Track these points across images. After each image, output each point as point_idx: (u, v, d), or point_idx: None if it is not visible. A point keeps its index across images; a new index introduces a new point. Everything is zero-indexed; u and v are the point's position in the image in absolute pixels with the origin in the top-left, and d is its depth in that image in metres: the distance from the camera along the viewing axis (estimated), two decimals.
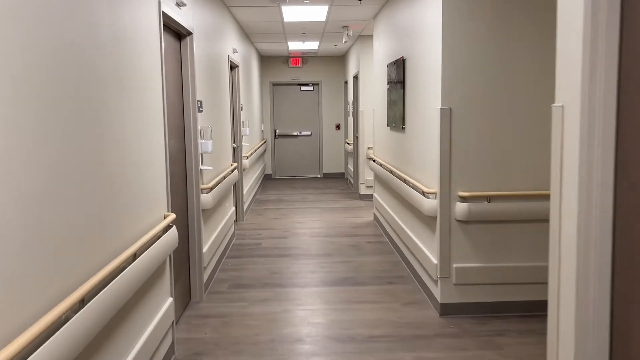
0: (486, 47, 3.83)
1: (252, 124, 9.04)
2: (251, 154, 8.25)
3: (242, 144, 7.41)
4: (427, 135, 4.22)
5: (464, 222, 3.93)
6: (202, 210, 4.47)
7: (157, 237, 3.03)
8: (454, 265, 3.94)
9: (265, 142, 11.39)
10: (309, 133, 12.03)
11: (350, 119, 10.38)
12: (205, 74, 4.77)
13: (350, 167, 10.58)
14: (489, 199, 3.89)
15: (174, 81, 3.98)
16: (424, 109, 4.31)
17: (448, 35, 3.81)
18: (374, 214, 7.32)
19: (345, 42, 7.94)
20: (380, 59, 6.66)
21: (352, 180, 10.31)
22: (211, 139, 4.48)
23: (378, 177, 6.90)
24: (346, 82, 11.50)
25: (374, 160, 7.07)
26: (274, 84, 11.90)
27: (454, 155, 3.88)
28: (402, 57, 5.09)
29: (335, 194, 9.62)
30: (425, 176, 4.29)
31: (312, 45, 9.93)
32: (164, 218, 3.26)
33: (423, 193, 4.18)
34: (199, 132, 4.34)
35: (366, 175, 8.96)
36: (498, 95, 3.86)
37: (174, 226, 3.24)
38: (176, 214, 3.95)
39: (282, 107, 11.98)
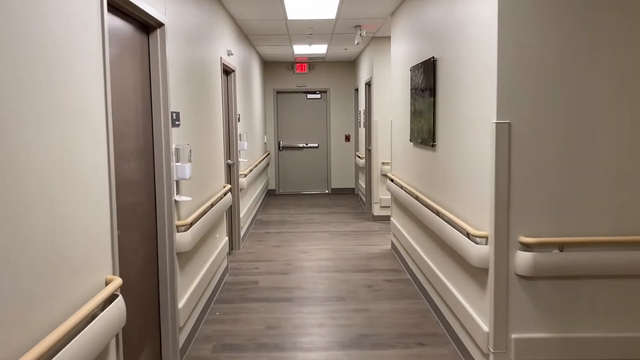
0: (559, 47, 2.82)
1: (252, 136, 8.05)
2: (251, 170, 7.25)
3: (240, 160, 6.43)
4: (471, 157, 3.21)
5: (527, 277, 2.90)
6: (178, 253, 3.47)
7: (91, 316, 2.03)
8: (513, 336, 2.91)
9: (268, 154, 10.41)
10: (316, 145, 11.04)
11: (362, 130, 9.37)
12: (186, 79, 3.79)
13: (362, 183, 9.56)
14: (561, 246, 2.87)
15: (137, 87, 3.00)
16: (466, 122, 3.30)
17: (506, 32, 2.80)
18: (392, 242, 6.30)
19: (357, 43, 6.97)
20: (400, 62, 5.66)
21: (363, 198, 9.30)
22: (189, 161, 3.48)
23: (397, 200, 5.88)
24: (357, 90, 10.51)
25: (391, 180, 6.05)
26: (278, 92, 10.94)
27: (514, 186, 2.86)
28: (432, 57, 4.09)
29: (345, 214, 8.60)
30: (471, 212, 3.26)
31: (319, 49, 8.95)
32: (106, 284, 2.26)
33: (468, 235, 3.16)
34: (172, 153, 3.35)
35: (380, 194, 7.94)
36: (575, 110, 2.85)
37: (120, 296, 2.23)
38: (143, 262, 2.95)
39: (287, 116, 11.01)
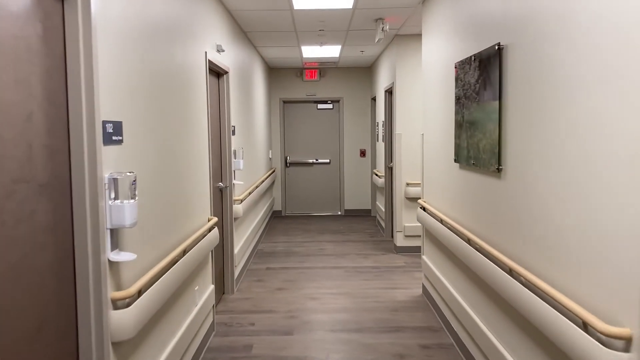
0: None
1: (253, 152, 6.84)
2: (250, 192, 6.03)
3: (234, 182, 5.20)
4: (599, 199, 1.95)
5: None
6: (116, 343, 2.23)
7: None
8: None
9: (273, 171, 9.19)
10: (328, 161, 9.81)
11: (381, 145, 8.13)
12: (139, 78, 2.57)
13: (380, 205, 8.30)
14: None
15: (50, 87, 1.79)
16: (585, 137, 2.05)
17: None
18: (423, 286, 5.03)
19: (378, 41, 5.76)
20: (436, 60, 4.42)
21: (382, 223, 8.03)
22: (133, 197, 2.24)
23: (432, 236, 4.62)
24: (374, 99, 9.29)
25: (423, 208, 4.80)
26: (285, 102, 9.74)
27: None
28: (497, 45, 2.85)
29: (361, 243, 7.34)
30: (592, 287, 1.99)
31: (332, 51, 7.75)
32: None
33: (586, 327, 1.89)
34: (105, 187, 2.11)
35: (405, 221, 6.68)
36: None
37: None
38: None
39: (295, 129, 9.80)
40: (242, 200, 5.41)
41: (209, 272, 4.09)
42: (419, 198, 6.60)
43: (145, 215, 2.57)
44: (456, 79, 3.68)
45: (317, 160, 9.81)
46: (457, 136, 3.66)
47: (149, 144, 2.68)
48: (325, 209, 9.89)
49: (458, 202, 3.74)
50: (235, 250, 5.27)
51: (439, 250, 4.37)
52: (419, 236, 6.65)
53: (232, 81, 5.35)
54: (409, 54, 6.57)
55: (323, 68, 9.62)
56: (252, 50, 7.08)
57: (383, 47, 7.48)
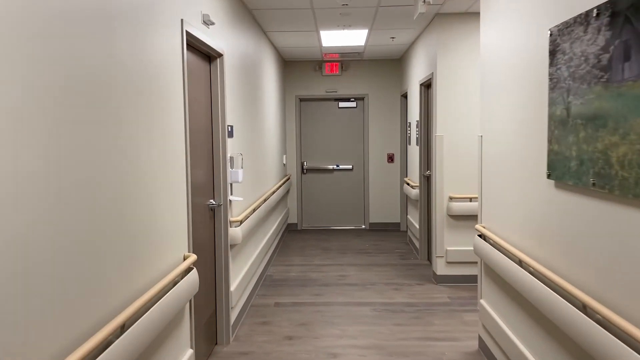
0: None
1: (260, 159, 5.64)
2: (253, 210, 4.83)
3: (231, 198, 3.99)
4: None
5: None
6: None
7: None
8: None
9: (288, 178, 7.98)
10: (350, 167, 8.57)
11: (414, 149, 6.85)
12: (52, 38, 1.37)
13: (413, 220, 7.03)
14: None
15: None
16: None
17: None
18: (480, 338, 3.75)
19: (420, 14, 4.52)
20: (510, 34, 3.14)
21: (415, 242, 6.75)
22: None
23: (497, 275, 3.34)
24: (405, 96, 8.03)
25: (481, 237, 3.54)
26: (301, 99, 8.53)
27: None
28: None
29: (392, 268, 6.08)
30: None
31: (356, 38, 6.52)
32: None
33: None
34: None
35: (447, 244, 5.40)
36: None
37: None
38: None
39: (313, 130, 8.58)
40: (241, 222, 4.20)
41: (185, 331, 2.88)
42: (468, 216, 5.33)
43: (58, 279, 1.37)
44: (553, 53, 2.41)
45: (338, 166, 8.57)
46: (555, 139, 2.39)
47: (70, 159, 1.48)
48: (347, 222, 8.64)
49: (556, 239, 2.46)
50: (232, 288, 4.05)
51: (509, 298, 3.10)
52: (468, 264, 5.37)
53: (230, 69, 4.15)
54: (453, 37, 5.30)
55: (345, 60, 8.38)
56: (260, 37, 5.88)
57: (419, 31, 6.22)
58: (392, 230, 8.41)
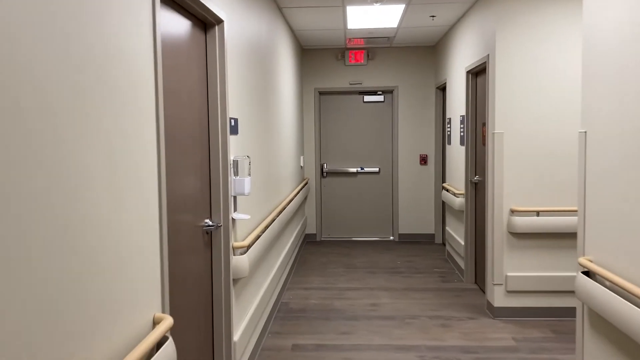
0: None
1: (274, 161, 4.60)
2: (266, 227, 3.79)
3: (233, 217, 2.95)
4: None
5: None
6: None
7: None
8: None
9: (305, 183, 6.95)
10: (376, 169, 7.50)
11: (457, 150, 5.76)
12: None
13: (455, 233, 5.94)
14: None
15: None
16: None
17: None
18: None
19: None
20: None
21: (458, 259, 5.67)
22: None
23: (619, 331, 2.24)
24: (441, 88, 6.94)
25: (586, 273, 2.46)
26: (321, 92, 7.48)
27: None
28: None
29: (434, 294, 5.00)
30: None
31: (390, 17, 5.46)
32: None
33: None
34: None
35: (508, 268, 4.31)
36: None
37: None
38: None
39: (334, 128, 7.53)
40: (249, 247, 3.15)
41: None
42: (535, 235, 4.24)
43: None
44: None
45: (362, 168, 7.51)
46: None
47: None
48: (372, 232, 7.57)
49: None
50: (236, 337, 3.00)
51: None
52: (533, 294, 4.28)
53: (236, 47, 3.11)
54: (520, 9, 4.21)
55: (372, 48, 7.32)
56: (275, 14, 4.84)
57: (467, 5, 5.13)
58: (425, 242, 7.31)
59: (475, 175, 5.20)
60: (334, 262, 6.27)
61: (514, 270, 4.29)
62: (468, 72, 5.20)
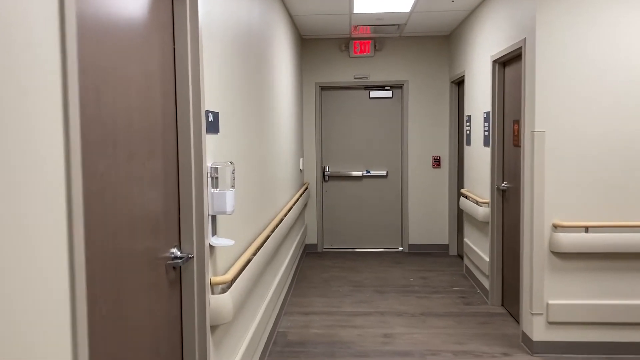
0: None
1: (269, 164, 3.88)
2: (252, 255, 3.07)
3: (214, 242, 2.22)
4: None
5: None
6: None
7: None
8: None
9: (306, 188, 6.24)
10: (384, 173, 6.77)
11: (480, 152, 5.03)
12: None
13: (476, 247, 5.21)
14: None
15: None
16: None
17: None
18: None
19: None
20: None
21: (481, 278, 4.94)
22: None
23: None
24: (457, 82, 6.21)
25: None
26: (323, 87, 6.75)
27: None
28: None
29: (455, 320, 4.28)
30: None
31: (401, 1, 4.74)
32: None
33: None
34: None
35: (550, 295, 3.57)
36: None
37: None
38: None
39: (337, 126, 6.80)
40: (233, 281, 2.42)
41: None
42: (583, 255, 3.52)
43: None
44: None
45: (368, 172, 6.78)
46: None
47: None
48: (380, 242, 6.84)
49: None
50: None
51: None
52: (581, 326, 3.55)
53: (217, 25, 2.38)
54: None
55: (379, 38, 6.59)
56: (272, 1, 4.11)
57: None
58: (438, 254, 6.59)
59: (503, 181, 4.47)
60: (338, 279, 5.54)
61: (557, 298, 3.56)
62: (495, 62, 4.47)
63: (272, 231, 3.68)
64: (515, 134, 4.12)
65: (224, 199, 2.19)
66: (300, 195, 5.68)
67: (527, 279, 3.67)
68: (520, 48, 3.79)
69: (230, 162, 2.25)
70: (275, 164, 4.24)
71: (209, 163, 2.21)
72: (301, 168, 6.32)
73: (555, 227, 3.52)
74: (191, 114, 2.08)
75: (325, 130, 6.79)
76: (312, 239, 6.80)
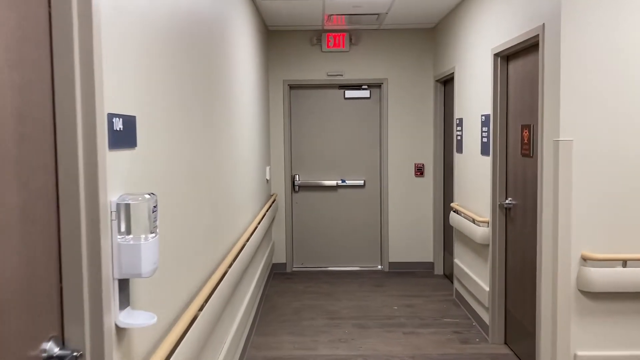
0: None
1: (224, 181, 3.08)
2: (192, 319, 2.25)
3: (122, 322, 1.40)
4: None
5: None
6: None
7: None
8: None
9: (274, 200, 5.45)
10: (361, 182, 6.02)
11: (475, 161, 4.31)
12: None
13: (468, 269, 4.49)
14: None
15: None
16: None
17: None
18: None
19: None
20: None
21: (478, 309, 4.22)
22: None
23: None
24: (442, 81, 5.50)
25: None
26: (292, 86, 5.96)
27: None
28: None
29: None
30: None
31: None
32: None
33: None
34: None
35: (577, 345, 2.85)
36: None
37: None
38: None
39: (309, 130, 6.01)
40: None
41: None
42: (620, 295, 2.82)
43: None
44: None
45: (343, 181, 6.01)
46: None
47: None
48: (357, 260, 6.09)
49: None
50: None
51: None
52: None
53: (137, 4, 1.57)
54: None
55: (356, 30, 5.84)
56: None
57: None
58: (422, 274, 5.86)
59: (507, 197, 3.76)
60: (311, 309, 4.75)
61: (588, 348, 2.85)
62: (497, 56, 3.76)
63: (230, 266, 2.88)
64: (526, 141, 3.41)
65: (137, 253, 1.38)
66: (267, 210, 4.89)
67: (548, 324, 2.95)
68: (537, 36, 3.07)
69: (151, 194, 1.44)
70: (234, 178, 3.43)
71: (113, 197, 1.40)
72: (268, 178, 5.52)
73: (585, 259, 2.81)
74: (79, 118, 1.27)
75: (295, 134, 6.00)
76: (280, 258, 6.00)
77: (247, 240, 3.65)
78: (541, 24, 2.99)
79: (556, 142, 2.83)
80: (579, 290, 2.83)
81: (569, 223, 2.82)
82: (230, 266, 2.89)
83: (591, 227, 2.82)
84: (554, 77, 2.86)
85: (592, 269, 2.78)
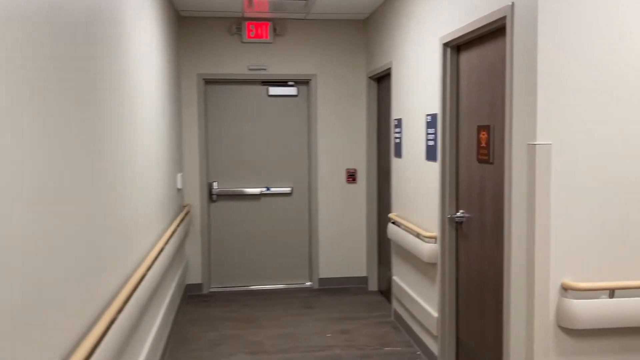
0: None
1: (120, 195, 2.32)
2: None
3: None
4: None
5: None
6: None
7: None
8: None
9: (187, 212, 4.69)
10: (288, 190, 5.37)
11: (423, 168, 3.78)
12: None
13: (411, 290, 3.95)
14: None
15: None
16: None
17: None
18: None
19: None
20: None
21: (423, 335, 3.69)
22: None
23: None
24: (376, 78, 4.97)
25: None
26: (207, 81, 5.21)
27: None
28: None
29: None
30: None
31: None
32: None
33: None
34: None
35: None
36: None
37: None
38: None
39: (228, 131, 5.29)
40: None
41: None
42: (608, 331, 2.34)
43: None
44: None
45: (268, 189, 5.34)
46: None
47: None
48: (283, 277, 5.43)
49: None
50: None
51: None
52: None
53: None
54: None
55: (281, 19, 5.19)
56: None
57: None
58: (356, 290, 5.30)
59: (458, 210, 3.25)
60: (230, 340, 4.04)
61: None
62: (446, 46, 3.25)
63: (119, 311, 2.14)
64: (483, 145, 2.90)
65: None
66: (178, 225, 4.14)
67: None
68: (503, 18, 2.56)
69: None
70: (131, 191, 2.68)
71: None
72: (179, 187, 4.74)
73: (566, 289, 2.31)
74: None
75: (212, 136, 5.25)
76: (195, 278, 5.23)
77: (152, 262, 2.91)
78: (509, 3, 2.48)
79: (531, 146, 2.32)
80: (559, 326, 2.34)
81: (546, 246, 2.31)
82: (119, 312, 2.15)
83: (573, 251, 2.33)
84: (528, 67, 2.35)
85: (575, 301, 2.29)
